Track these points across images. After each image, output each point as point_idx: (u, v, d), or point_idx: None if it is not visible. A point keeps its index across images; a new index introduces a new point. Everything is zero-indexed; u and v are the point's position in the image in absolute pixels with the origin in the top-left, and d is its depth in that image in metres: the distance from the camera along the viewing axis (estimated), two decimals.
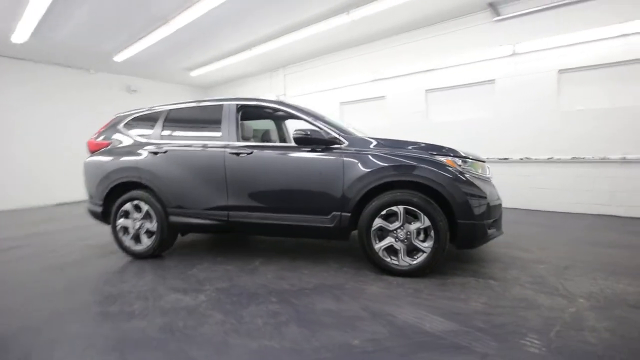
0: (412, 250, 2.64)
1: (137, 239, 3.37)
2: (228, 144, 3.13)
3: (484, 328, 1.89)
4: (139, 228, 3.34)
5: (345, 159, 2.78)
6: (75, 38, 6.35)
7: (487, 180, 2.83)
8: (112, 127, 3.79)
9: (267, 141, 3.85)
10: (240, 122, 3.25)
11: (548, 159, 5.24)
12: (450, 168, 2.60)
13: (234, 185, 3.05)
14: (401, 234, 2.63)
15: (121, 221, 3.39)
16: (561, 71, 5.10)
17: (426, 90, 6.46)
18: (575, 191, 5.03)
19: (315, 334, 1.88)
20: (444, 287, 2.47)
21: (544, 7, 5.07)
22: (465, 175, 2.60)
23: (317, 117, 3.03)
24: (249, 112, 3.53)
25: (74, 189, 7.81)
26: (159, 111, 3.62)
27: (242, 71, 9.06)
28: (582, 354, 1.63)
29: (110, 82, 8.93)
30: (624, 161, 4.62)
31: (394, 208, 2.63)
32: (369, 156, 2.75)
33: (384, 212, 2.65)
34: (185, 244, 3.92)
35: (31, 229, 5.13)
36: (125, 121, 3.74)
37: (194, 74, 8.81)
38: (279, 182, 2.95)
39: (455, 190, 2.53)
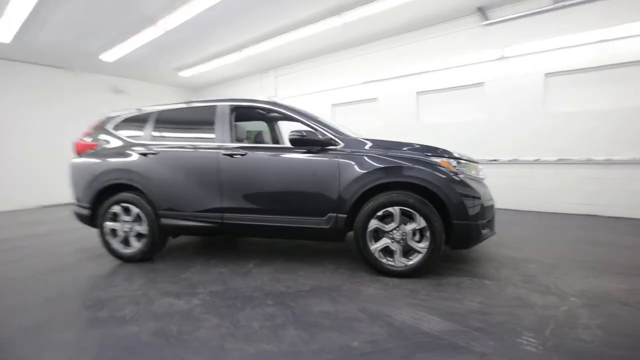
0: (407, 251, 2.65)
1: (126, 242, 3.28)
2: (222, 145, 3.09)
3: (481, 327, 1.90)
4: (129, 231, 3.26)
5: (341, 160, 2.77)
6: (59, 37, 6.18)
7: (480, 181, 2.87)
8: (100, 128, 3.68)
9: (260, 142, 3.82)
10: (233, 123, 3.21)
11: (535, 160, 5.36)
12: (445, 169, 2.62)
13: (228, 186, 3.01)
14: (397, 234, 2.63)
15: (109, 224, 3.29)
16: (548, 74, 5.23)
17: (417, 93, 6.53)
18: (561, 192, 5.16)
19: (313, 337, 1.86)
20: (440, 287, 2.49)
21: (531, 12, 5.19)
22: (460, 176, 2.63)
23: (312, 119, 3.02)
24: (242, 113, 3.49)
25: (56, 190, 7.65)
26: (150, 112, 3.55)
27: (232, 72, 8.99)
28: (577, 352, 1.66)
29: (95, 83, 8.72)
30: (608, 162, 4.76)
31: (390, 209, 2.63)
32: (365, 157, 2.75)
33: (380, 213, 2.66)
34: (176, 246, 3.85)
35: (14, 232, 4.94)
36: (114, 122, 3.65)
37: (184, 74, 8.68)
38: (274, 183, 2.93)
39: (451, 191, 2.55)
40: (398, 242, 2.64)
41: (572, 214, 5.05)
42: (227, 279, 2.75)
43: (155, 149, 3.27)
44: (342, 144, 2.84)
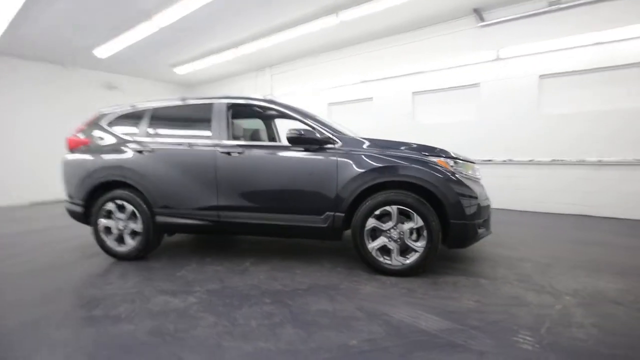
0: (405, 250, 2.66)
1: (120, 239, 3.24)
2: (219, 143, 3.06)
3: (478, 326, 1.92)
4: (123, 229, 3.21)
5: (339, 159, 2.77)
6: (52, 31, 6.08)
7: (477, 181, 2.89)
8: (93, 124, 3.62)
9: (257, 140, 3.79)
10: (230, 120, 3.19)
11: (529, 161, 5.42)
12: (443, 169, 2.63)
13: (225, 184, 2.99)
14: (394, 233, 2.64)
15: (104, 222, 3.25)
16: (542, 76, 5.30)
17: (413, 93, 6.56)
18: (555, 192, 5.23)
19: (311, 335, 1.85)
20: (437, 286, 2.50)
21: (526, 14, 5.25)
22: (457, 176, 2.65)
23: (310, 117, 3.01)
24: (239, 110, 3.47)
25: (47, 187, 7.53)
26: (145, 108, 3.50)
27: (228, 70, 8.93)
28: (572, 350, 1.68)
29: (88, 78, 8.60)
30: (601, 164, 4.84)
31: (388, 208, 2.64)
32: (363, 156, 2.75)
33: (377, 212, 2.66)
34: (171, 244, 3.81)
35: (5, 229, 4.85)
36: (108, 118, 3.59)
37: (179, 71, 8.60)
38: (271, 182, 2.91)
39: (448, 191, 2.57)
40: (395, 241, 2.65)
41: (565, 214, 5.12)
42: (223, 277, 2.73)
43: (151, 146, 3.23)
44: (340, 143, 2.84)
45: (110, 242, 3.25)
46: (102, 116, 3.64)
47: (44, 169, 7.51)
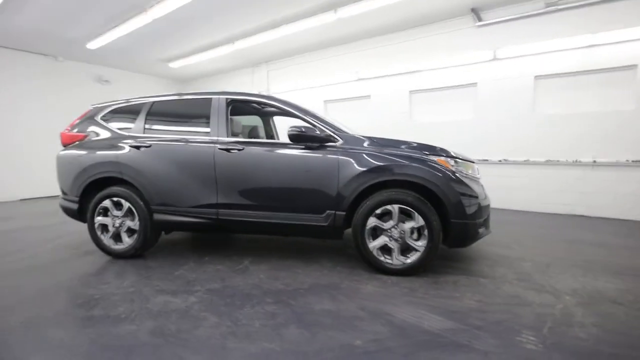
0: (405, 249, 2.66)
1: (117, 237, 3.18)
2: (218, 140, 3.02)
3: (481, 326, 1.93)
4: (120, 226, 3.15)
5: (340, 157, 2.75)
6: (42, 22, 5.90)
7: (476, 181, 2.90)
8: (88, 118, 3.54)
9: (255, 137, 3.77)
10: (229, 117, 3.14)
11: (524, 161, 5.47)
12: (444, 168, 2.63)
13: (225, 182, 2.95)
14: (395, 233, 2.64)
15: (99, 219, 3.19)
16: (537, 77, 5.34)
17: (410, 91, 6.56)
18: (550, 192, 5.29)
19: (315, 335, 1.84)
20: (438, 285, 2.51)
21: (523, 15, 5.27)
22: (458, 175, 2.65)
23: (311, 115, 2.99)
24: (238, 107, 3.42)
25: (36, 183, 7.37)
26: (141, 103, 3.43)
27: (223, 65, 8.81)
28: (575, 350, 1.70)
29: (79, 71, 8.38)
30: (596, 164, 4.91)
31: (389, 207, 2.63)
32: (364, 155, 2.74)
33: (378, 211, 2.65)
34: (168, 242, 3.75)
35: None
36: (103, 113, 3.52)
37: (173, 65, 8.45)
38: (272, 179, 2.88)
39: (449, 190, 2.57)
40: (396, 240, 2.64)
41: (560, 214, 5.19)
42: (224, 276, 2.70)
43: (148, 141, 3.17)
44: (341, 141, 2.82)
45: (106, 239, 3.19)
46: (96, 110, 3.56)
47: (33, 165, 7.35)
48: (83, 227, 3.36)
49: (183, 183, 3.04)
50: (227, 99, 3.16)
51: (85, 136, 3.44)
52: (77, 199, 3.29)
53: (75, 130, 3.51)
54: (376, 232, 2.70)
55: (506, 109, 5.59)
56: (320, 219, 2.79)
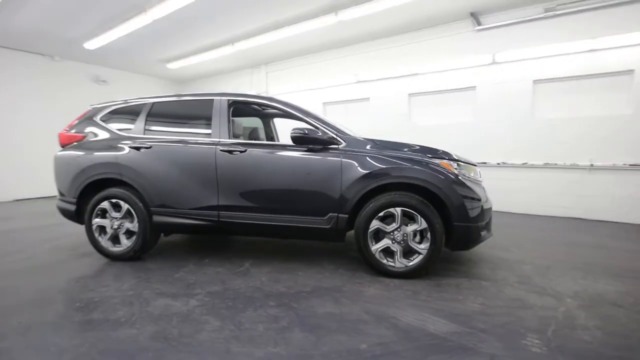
0: (408, 252, 2.66)
1: (115, 239, 3.14)
2: (219, 141, 3.00)
3: (485, 329, 1.92)
4: (118, 228, 3.12)
5: (343, 159, 2.74)
6: (40, 21, 5.85)
7: (478, 184, 2.91)
8: (87, 119, 3.50)
9: (256, 139, 3.75)
10: (231, 118, 3.12)
11: (523, 163, 5.51)
12: (447, 171, 2.64)
13: (226, 184, 2.92)
14: (398, 235, 2.63)
15: (97, 220, 3.14)
16: (536, 81, 5.38)
17: (409, 94, 6.59)
18: (548, 195, 5.33)
19: (320, 339, 1.82)
20: (440, 288, 2.50)
21: (522, 19, 5.32)
22: (461, 178, 2.66)
23: (314, 117, 2.98)
24: (239, 108, 3.41)
25: (31, 184, 7.27)
26: (142, 104, 3.40)
27: (222, 66, 8.78)
28: (579, 353, 1.70)
29: (76, 71, 8.31)
30: (593, 168, 4.95)
31: (391, 210, 2.63)
32: (367, 158, 2.73)
33: (381, 214, 2.65)
34: (166, 245, 3.71)
35: None
36: (102, 113, 3.48)
37: (172, 66, 8.41)
38: (274, 181, 2.86)
39: (452, 193, 2.57)
40: (399, 243, 2.64)
41: (558, 216, 5.22)
42: (224, 279, 2.67)
43: (148, 142, 3.14)
44: (344, 143, 2.82)
45: (104, 241, 3.14)
46: (95, 111, 3.52)
47: (29, 166, 7.26)
48: (80, 228, 3.32)
49: (184, 185, 3.01)
50: (228, 100, 3.14)
51: (84, 137, 3.40)
52: (74, 200, 3.24)
53: (74, 130, 3.47)
54: (379, 235, 2.70)
55: (505, 113, 5.63)
56: (322, 222, 2.77)
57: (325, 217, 2.77)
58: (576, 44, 4.99)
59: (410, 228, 2.62)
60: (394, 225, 2.64)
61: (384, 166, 2.68)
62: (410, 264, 2.63)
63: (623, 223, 4.73)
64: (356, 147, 2.81)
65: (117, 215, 3.11)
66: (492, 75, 5.70)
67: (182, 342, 1.80)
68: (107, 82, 8.81)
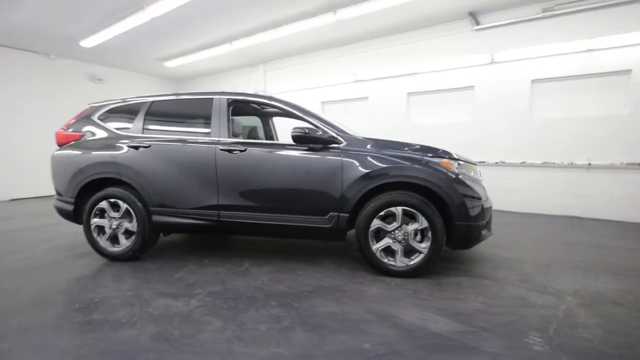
0: (409, 251, 2.66)
1: (114, 239, 3.12)
2: (219, 140, 2.98)
3: (487, 327, 1.93)
4: (117, 228, 3.09)
5: (344, 159, 2.74)
6: (35, 18, 5.78)
7: (479, 183, 2.91)
8: (84, 118, 3.47)
9: (255, 138, 3.73)
10: (231, 117, 3.11)
11: (521, 163, 5.53)
12: (447, 170, 2.64)
13: (226, 183, 2.91)
14: (399, 234, 2.63)
15: (96, 220, 3.12)
16: (534, 81, 5.40)
17: (408, 93, 6.59)
18: (546, 194, 5.35)
19: (323, 339, 1.82)
20: (441, 287, 2.50)
21: (521, 19, 5.33)
22: (461, 177, 2.66)
23: (314, 116, 2.97)
24: (239, 107, 3.40)
25: (27, 183, 7.21)
26: (140, 102, 3.37)
27: (220, 64, 8.74)
28: (581, 351, 1.70)
29: (72, 70, 8.23)
30: (591, 167, 4.98)
31: (392, 209, 2.63)
32: (368, 157, 2.73)
33: (382, 213, 2.65)
34: (166, 244, 3.69)
35: None
36: (100, 112, 3.45)
37: (169, 64, 8.36)
38: (275, 181, 2.85)
39: (453, 192, 2.57)
40: (400, 242, 2.64)
41: (556, 215, 5.25)
42: (225, 279, 2.66)
43: (147, 142, 3.11)
44: (344, 143, 2.81)
45: (102, 242, 3.12)
46: (93, 110, 3.49)
47: (25, 165, 7.19)
48: (78, 228, 3.29)
49: (183, 184, 3.00)
50: (228, 99, 3.13)
51: (82, 136, 3.37)
52: (72, 200, 3.21)
53: (71, 129, 3.44)
54: (379, 234, 2.70)
55: (503, 112, 5.64)
56: (323, 221, 2.77)
57: (326, 217, 2.76)
58: (574, 44, 5.01)
59: (411, 227, 2.61)
60: (394, 225, 2.64)
61: (385, 165, 2.68)
62: (411, 263, 2.63)
63: (622, 222, 4.75)
64: (357, 146, 2.80)
65: (116, 215, 3.09)
66: (490, 75, 5.71)
67: (184, 342, 1.78)
68: (103, 81, 8.74)
